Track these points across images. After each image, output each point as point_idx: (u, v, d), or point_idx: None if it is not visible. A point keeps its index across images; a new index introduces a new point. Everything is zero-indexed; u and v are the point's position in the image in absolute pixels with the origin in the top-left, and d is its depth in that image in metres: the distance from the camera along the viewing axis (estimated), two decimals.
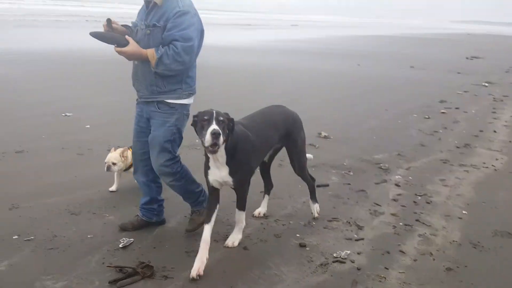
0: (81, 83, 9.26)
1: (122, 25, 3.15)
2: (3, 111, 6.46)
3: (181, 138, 3.16)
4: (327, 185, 4.34)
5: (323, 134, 6.23)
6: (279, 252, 3.07)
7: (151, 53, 2.87)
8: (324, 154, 5.29)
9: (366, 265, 2.94)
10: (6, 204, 3.52)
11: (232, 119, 2.82)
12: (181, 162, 3.14)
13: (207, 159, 2.95)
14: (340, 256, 3.01)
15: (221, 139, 2.64)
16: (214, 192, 3.05)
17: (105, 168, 3.77)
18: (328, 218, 3.61)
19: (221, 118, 2.70)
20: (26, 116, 6.26)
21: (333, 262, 2.96)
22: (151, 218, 3.33)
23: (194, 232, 3.19)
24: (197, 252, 2.81)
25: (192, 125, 2.81)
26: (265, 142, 3.23)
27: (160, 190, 3.35)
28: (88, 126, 5.98)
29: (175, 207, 3.58)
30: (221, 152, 2.84)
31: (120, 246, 3.00)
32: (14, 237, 3.05)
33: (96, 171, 4.15)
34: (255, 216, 3.58)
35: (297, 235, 3.32)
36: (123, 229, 3.26)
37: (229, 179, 2.95)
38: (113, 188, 3.93)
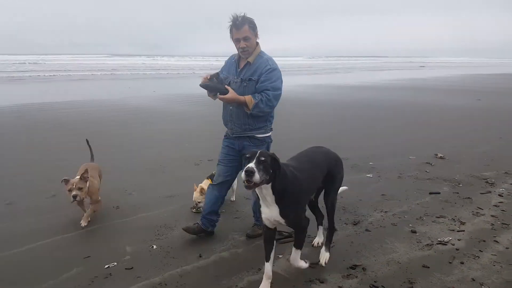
0: None
1: (214, 74, 3.80)
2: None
3: None
4: (439, 193, 5.21)
5: (439, 155, 7.10)
6: (394, 234, 4.11)
7: (249, 99, 3.57)
8: (438, 170, 6.21)
9: (464, 247, 3.81)
10: None
11: (276, 159, 2.83)
12: None
13: (257, 197, 3.05)
14: (443, 240, 3.93)
15: (257, 176, 2.62)
16: (268, 231, 3.11)
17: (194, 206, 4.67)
18: (437, 215, 4.52)
19: (263, 158, 2.72)
20: None
21: (437, 244, 3.88)
22: (208, 227, 4.01)
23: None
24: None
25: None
26: (312, 183, 3.33)
27: (221, 206, 4.08)
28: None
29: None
30: (268, 191, 2.86)
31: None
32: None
33: None
34: (314, 246, 3.84)
35: (410, 225, 4.31)
36: (185, 230, 3.96)
37: (281, 220, 2.97)
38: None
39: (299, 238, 3.13)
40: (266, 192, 2.86)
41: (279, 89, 3.66)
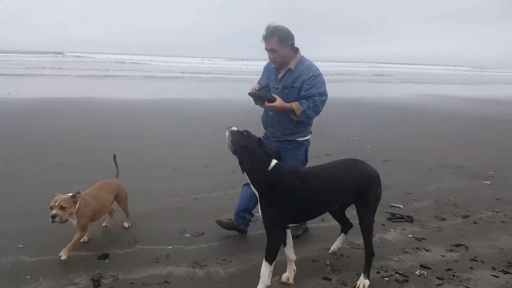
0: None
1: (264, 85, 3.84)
2: None
3: (306, 161, 3.95)
4: None
5: None
6: (502, 229, 4.53)
7: (296, 106, 3.56)
8: None
9: None
10: None
11: (244, 145, 2.95)
12: None
13: None
14: None
15: (227, 134, 3.04)
16: None
17: None
18: None
19: (235, 129, 3.05)
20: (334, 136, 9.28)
21: None
22: (240, 225, 4.05)
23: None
24: None
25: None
26: (319, 196, 3.09)
27: (255, 206, 3.87)
28: (369, 146, 8.53)
29: None
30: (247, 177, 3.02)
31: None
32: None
33: None
34: (329, 252, 3.77)
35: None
36: (217, 223, 4.08)
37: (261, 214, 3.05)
38: None
39: (267, 248, 2.99)
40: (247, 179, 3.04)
41: (325, 94, 3.66)
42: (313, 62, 3.78)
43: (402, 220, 4.67)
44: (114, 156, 4.48)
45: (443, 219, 4.75)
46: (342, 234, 3.75)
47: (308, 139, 3.94)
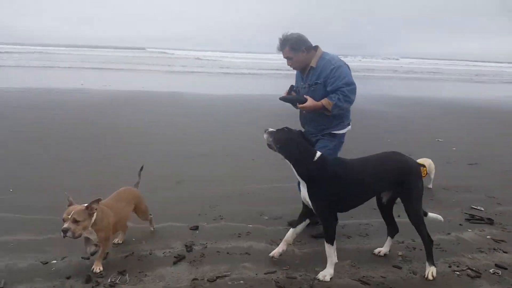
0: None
1: (290, 86, 4.04)
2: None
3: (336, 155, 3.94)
4: None
5: None
6: None
7: (326, 102, 3.68)
8: None
9: None
10: None
11: (291, 138, 3.20)
12: None
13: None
14: None
15: (265, 136, 3.29)
16: (304, 208, 3.45)
17: None
18: None
19: (273, 130, 3.27)
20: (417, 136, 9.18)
21: None
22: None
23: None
24: None
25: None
26: (362, 184, 3.28)
27: None
28: (454, 148, 8.33)
29: None
30: (293, 170, 3.24)
31: None
32: None
33: None
34: (375, 254, 3.74)
35: None
36: (289, 224, 4.13)
37: (309, 201, 3.26)
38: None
39: (325, 231, 3.26)
40: (293, 170, 3.24)
41: (352, 83, 3.72)
42: (336, 55, 3.90)
43: (481, 222, 4.60)
44: (142, 168, 4.15)
45: None
46: (389, 237, 3.76)
47: (343, 134, 4.02)
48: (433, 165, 5.78)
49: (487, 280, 3.36)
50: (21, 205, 4.57)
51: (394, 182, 3.33)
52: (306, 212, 3.44)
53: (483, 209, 4.98)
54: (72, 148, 7.22)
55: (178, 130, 9.24)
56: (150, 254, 3.63)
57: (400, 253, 3.79)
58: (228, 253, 3.68)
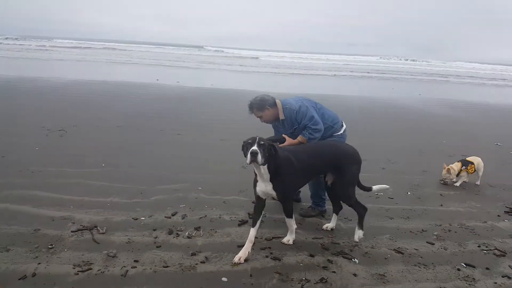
0: None
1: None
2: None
3: None
4: None
5: None
6: None
7: (301, 138, 4.34)
8: None
9: None
10: None
11: (273, 145, 3.44)
12: None
13: (255, 175, 3.65)
14: None
15: (259, 158, 3.25)
16: (260, 201, 3.73)
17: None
18: None
19: (262, 143, 3.31)
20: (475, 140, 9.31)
21: None
22: (315, 208, 4.68)
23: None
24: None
25: (242, 149, 3.51)
26: (306, 167, 3.75)
27: (323, 186, 4.38)
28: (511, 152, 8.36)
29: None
30: (265, 171, 3.47)
31: None
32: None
33: None
34: (323, 230, 4.27)
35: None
36: (302, 216, 4.60)
37: (273, 193, 3.61)
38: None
39: (287, 210, 3.76)
40: (263, 171, 3.46)
41: (312, 117, 4.33)
42: (288, 98, 4.55)
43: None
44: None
45: None
46: (334, 214, 4.31)
47: (343, 134, 4.59)
48: (482, 164, 6.08)
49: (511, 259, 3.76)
50: (113, 176, 5.61)
51: (329, 165, 3.88)
52: (261, 207, 3.76)
53: None
54: (150, 133, 8.29)
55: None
56: (220, 218, 4.46)
57: (435, 233, 4.28)
58: (283, 222, 4.38)
